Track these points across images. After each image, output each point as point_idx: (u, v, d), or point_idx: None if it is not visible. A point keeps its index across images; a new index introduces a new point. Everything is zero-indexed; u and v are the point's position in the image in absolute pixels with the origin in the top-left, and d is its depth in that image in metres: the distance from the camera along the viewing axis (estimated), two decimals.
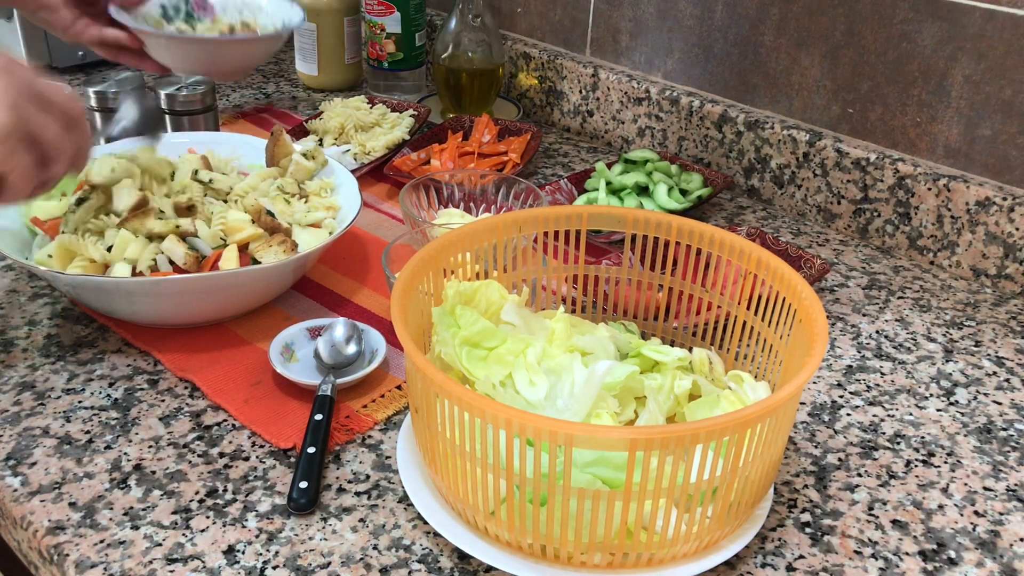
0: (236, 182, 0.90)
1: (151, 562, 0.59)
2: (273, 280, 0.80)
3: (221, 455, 0.68)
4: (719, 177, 1.08)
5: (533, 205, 0.95)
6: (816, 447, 0.72)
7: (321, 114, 1.18)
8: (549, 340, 0.68)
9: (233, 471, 0.67)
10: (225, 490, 0.65)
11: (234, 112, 1.28)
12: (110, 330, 0.81)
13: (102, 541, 0.60)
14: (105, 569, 0.58)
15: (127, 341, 0.80)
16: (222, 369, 0.76)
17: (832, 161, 1.04)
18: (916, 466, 0.71)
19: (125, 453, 0.68)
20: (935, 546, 0.64)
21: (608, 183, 1.05)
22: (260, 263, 0.79)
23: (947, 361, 0.84)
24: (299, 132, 1.18)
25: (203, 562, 0.59)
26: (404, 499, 0.65)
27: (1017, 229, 0.93)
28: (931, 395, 0.79)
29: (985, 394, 0.79)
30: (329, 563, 0.59)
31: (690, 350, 0.72)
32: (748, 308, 0.71)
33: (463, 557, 0.60)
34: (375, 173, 1.11)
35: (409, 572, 0.59)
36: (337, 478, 0.66)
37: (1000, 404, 0.78)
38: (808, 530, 0.64)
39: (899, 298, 0.93)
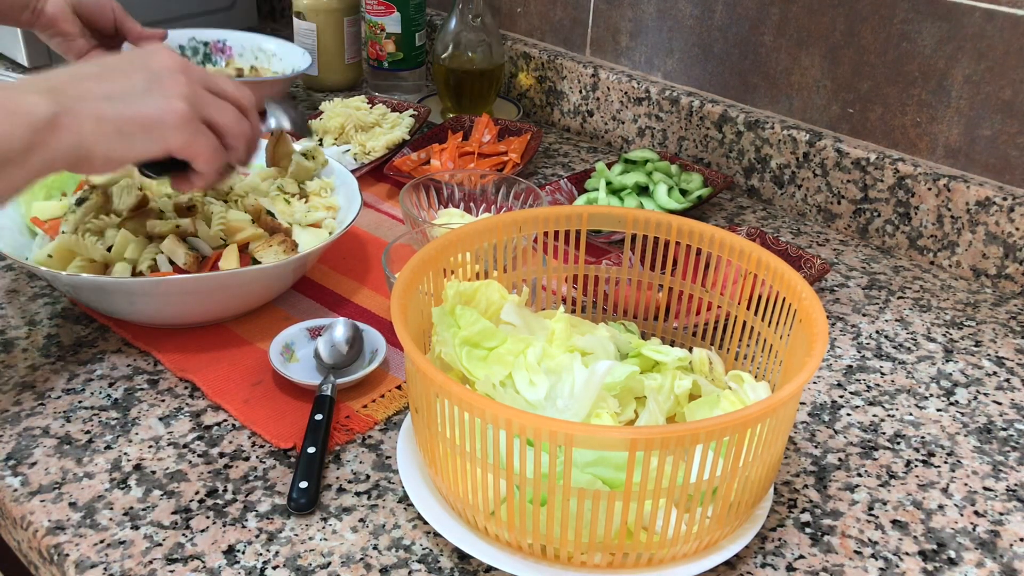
0: (236, 182, 0.90)
1: (151, 562, 0.59)
2: (273, 280, 0.80)
3: (221, 455, 0.68)
4: (719, 177, 1.08)
5: (533, 205, 0.95)
6: (816, 447, 0.72)
7: (321, 114, 1.18)
8: (549, 340, 0.68)
9: (233, 471, 0.67)
10: (225, 490, 0.65)
11: None
12: (110, 330, 0.81)
13: (102, 541, 0.60)
14: (105, 569, 0.58)
15: (127, 341, 0.80)
16: (222, 369, 0.76)
17: (832, 161, 1.04)
18: (916, 466, 0.71)
19: (125, 453, 0.68)
20: (935, 546, 0.64)
21: (608, 183, 1.05)
22: (260, 263, 0.79)
23: (947, 361, 0.84)
24: None
25: (203, 562, 0.59)
26: (404, 499, 0.65)
27: (1017, 229, 0.93)
28: (931, 395, 0.79)
29: (985, 394, 0.79)
30: (329, 563, 0.59)
31: (690, 350, 0.72)
32: (748, 308, 0.71)
33: (463, 557, 0.60)
34: (375, 173, 1.11)
35: (409, 572, 0.59)
36: (337, 478, 0.66)
37: (1000, 404, 0.78)
38: (808, 530, 0.64)
39: (899, 298, 0.93)
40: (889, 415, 0.76)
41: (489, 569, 0.60)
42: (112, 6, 1.04)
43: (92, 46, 1.11)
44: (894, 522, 0.66)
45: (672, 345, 0.76)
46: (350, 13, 1.34)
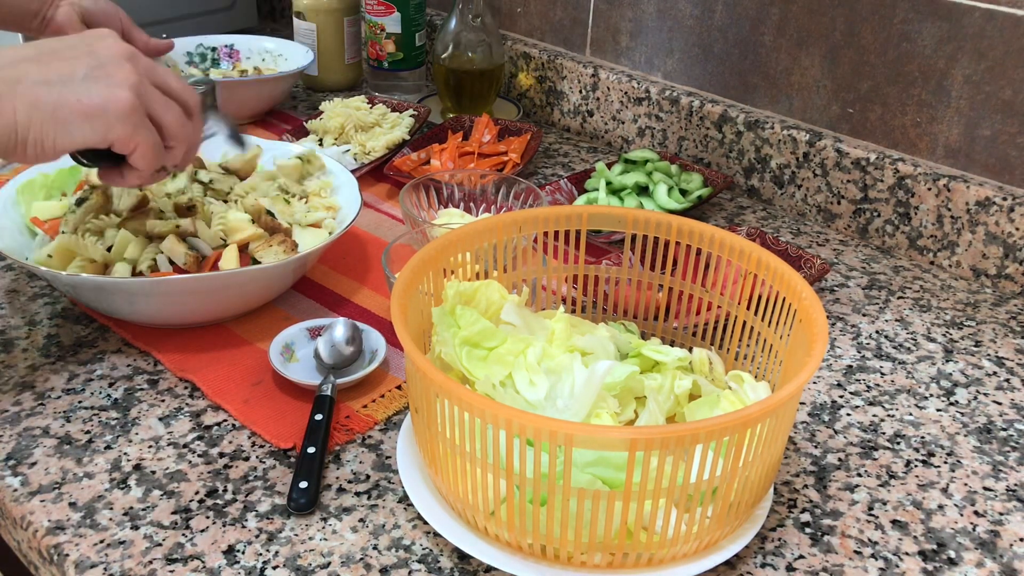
0: (236, 182, 0.90)
1: (151, 562, 0.59)
2: (273, 280, 0.80)
3: (221, 455, 0.68)
4: (719, 177, 1.08)
5: (533, 205, 0.95)
6: (816, 447, 0.72)
7: (321, 114, 1.18)
8: (549, 340, 0.68)
9: (233, 471, 0.67)
10: (225, 490, 0.65)
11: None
12: (110, 330, 0.81)
13: (102, 541, 0.60)
14: (105, 569, 0.58)
15: (127, 341, 0.80)
16: (222, 369, 0.76)
17: (832, 161, 1.04)
18: (916, 466, 0.71)
19: (125, 453, 0.68)
20: (935, 546, 0.64)
21: (608, 183, 1.05)
22: (260, 263, 0.79)
23: (947, 361, 0.84)
24: (299, 132, 1.18)
25: (203, 562, 0.59)
26: (404, 499, 0.65)
27: (1017, 229, 0.93)
28: (931, 395, 0.79)
29: (985, 394, 0.79)
30: (329, 563, 0.59)
31: (690, 350, 0.72)
32: (748, 308, 0.71)
33: (463, 557, 0.60)
34: (375, 173, 1.11)
35: (409, 572, 0.59)
36: (337, 478, 0.66)
37: (1000, 404, 0.78)
38: (808, 530, 0.64)
39: (899, 298, 0.93)
40: (889, 415, 0.76)
41: (489, 569, 0.60)
42: (120, 16, 1.04)
43: None
44: (894, 522, 0.66)
45: (672, 345, 0.76)
46: (350, 13, 1.34)
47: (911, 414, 0.77)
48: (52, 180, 0.88)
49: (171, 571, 0.58)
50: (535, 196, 0.95)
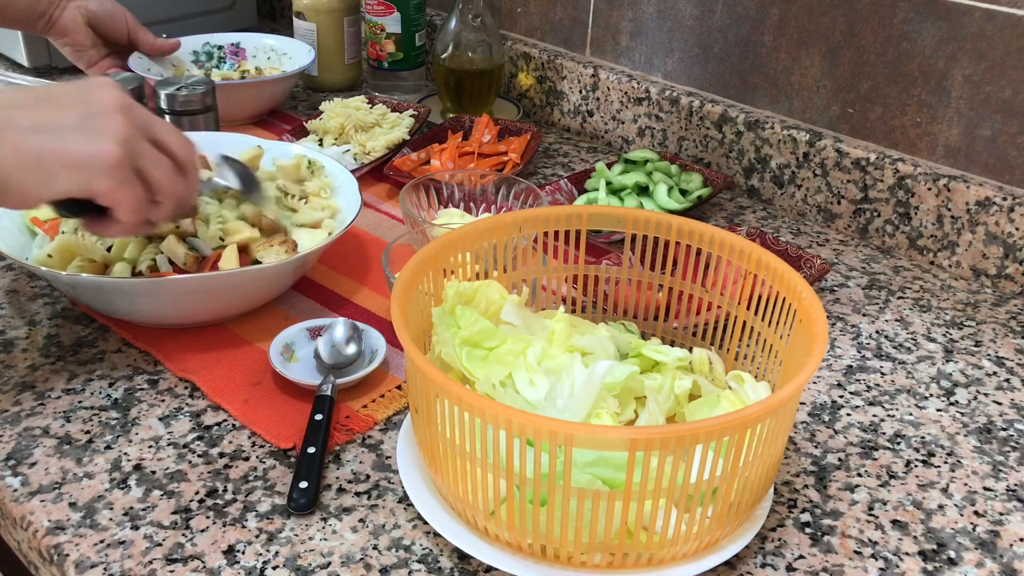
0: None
1: (151, 562, 0.59)
2: (273, 280, 0.80)
3: (221, 455, 0.68)
4: (719, 177, 1.08)
5: (533, 205, 0.95)
6: (816, 447, 0.72)
7: (321, 114, 1.18)
8: (549, 340, 0.68)
9: (233, 471, 0.67)
10: (225, 490, 0.65)
11: None
12: (110, 330, 0.81)
13: (102, 541, 0.60)
14: (105, 569, 0.58)
15: (127, 341, 0.80)
16: (222, 369, 0.76)
17: (832, 161, 1.04)
18: (916, 466, 0.71)
19: (125, 453, 0.68)
20: (935, 546, 0.64)
21: (608, 183, 1.05)
22: (260, 263, 0.79)
23: (947, 361, 0.84)
24: (299, 132, 1.18)
25: (203, 562, 0.59)
26: (404, 499, 0.65)
27: (1017, 229, 0.93)
28: (931, 395, 0.79)
29: (985, 394, 0.79)
30: (329, 563, 0.59)
31: (690, 350, 0.72)
32: (748, 308, 0.71)
33: (463, 557, 0.60)
34: (375, 173, 1.11)
35: (409, 572, 0.59)
36: (337, 478, 0.66)
37: (1000, 404, 0.78)
38: (808, 530, 0.64)
39: (899, 298, 0.93)
40: (889, 415, 0.76)
41: (489, 569, 0.60)
42: (126, 18, 1.03)
43: (104, 55, 1.12)
44: (894, 522, 0.66)
45: (672, 345, 0.76)
46: (350, 13, 1.34)
47: (911, 414, 0.77)
48: None
49: (171, 571, 0.58)
50: (535, 196, 0.95)
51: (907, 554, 0.63)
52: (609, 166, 1.10)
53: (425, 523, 0.63)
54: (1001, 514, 0.67)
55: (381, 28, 1.31)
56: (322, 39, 1.34)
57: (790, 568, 0.61)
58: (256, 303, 0.82)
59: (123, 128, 0.62)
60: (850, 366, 0.82)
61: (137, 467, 0.67)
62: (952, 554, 0.63)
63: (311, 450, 0.66)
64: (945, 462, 0.72)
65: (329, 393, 0.71)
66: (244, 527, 0.62)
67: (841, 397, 0.78)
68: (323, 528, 0.62)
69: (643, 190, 1.04)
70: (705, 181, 1.07)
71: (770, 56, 1.08)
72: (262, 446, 0.69)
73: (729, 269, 0.71)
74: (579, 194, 1.06)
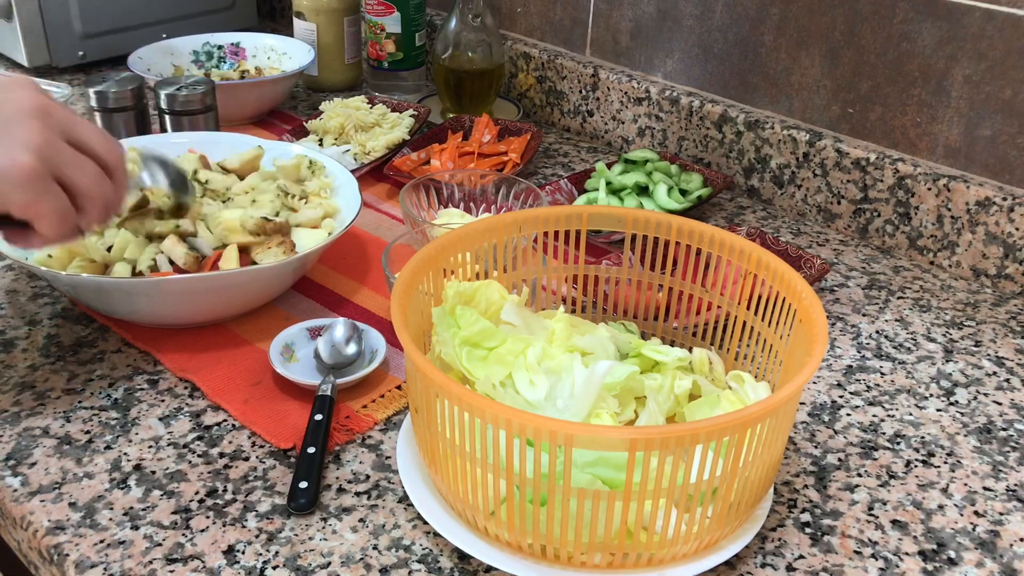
0: (234, 182, 0.90)
1: (151, 562, 0.59)
2: (273, 280, 0.80)
3: (221, 455, 0.68)
4: (719, 177, 1.08)
5: (533, 205, 0.95)
6: (816, 447, 0.72)
7: (321, 114, 1.18)
8: (549, 340, 0.68)
9: (233, 471, 0.67)
10: (225, 490, 0.65)
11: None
12: (110, 330, 0.81)
13: (102, 541, 0.60)
14: (105, 569, 0.58)
15: (127, 341, 0.80)
16: (222, 369, 0.76)
17: (832, 161, 1.04)
18: (916, 466, 0.71)
19: (125, 453, 0.68)
20: (935, 546, 0.64)
21: (608, 183, 1.05)
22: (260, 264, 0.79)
23: (947, 361, 0.84)
24: (299, 132, 1.18)
25: (203, 562, 0.59)
26: (404, 499, 0.65)
27: (1017, 229, 0.93)
28: (931, 395, 0.79)
29: (985, 394, 0.79)
30: (329, 563, 0.59)
31: (690, 350, 0.72)
32: (748, 308, 0.71)
33: (463, 557, 0.60)
34: (375, 173, 1.11)
35: (409, 572, 0.59)
36: (337, 478, 0.66)
37: (1000, 404, 0.78)
38: (808, 530, 0.64)
39: (899, 298, 0.93)
40: (889, 415, 0.76)
41: (489, 569, 0.60)
42: None
43: None
44: (894, 522, 0.66)
45: (672, 345, 0.76)
46: (350, 13, 1.34)
47: (911, 414, 0.77)
48: None
49: (171, 571, 0.58)
50: (535, 196, 0.95)
51: (907, 554, 0.63)
52: (609, 166, 1.10)
53: (425, 523, 0.63)
54: (1001, 514, 0.67)
55: (381, 28, 1.31)
56: (322, 39, 1.34)
57: (790, 568, 0.61)
58: (256, 303, 0.82)
59: (38, 135, 0.58)
60: (850, 366, 0.82)
61: (137, 467, 0.67)
62: (952, 554, 0.63)
63: (311, 450, 0.66)
64: (945, 462, 0.72)
65: (329, 393, 0.71)
66: (244, 527, 0.62)
67: (841, 397, 0.78)
68: (323, 528, 0.62)
69: (643, 190, 1.04)
70: (705, 181, 1.07)
71: (770, 56, 1.08)
72: (262, 446, 0.69)
73: (729, 269, 0.71)
74: (579, 194, 1.06)
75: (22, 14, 1.27)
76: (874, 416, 0.76)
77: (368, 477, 0.67)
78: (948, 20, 0.93)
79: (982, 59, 0.92)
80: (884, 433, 0.74)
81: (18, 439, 0.69)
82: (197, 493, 0.65)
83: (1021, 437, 0.75)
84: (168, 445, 0.69)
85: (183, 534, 0.61)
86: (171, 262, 0.79)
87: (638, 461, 0.52)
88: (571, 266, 0.77)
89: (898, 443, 0.73)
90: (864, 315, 0.90)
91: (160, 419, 0.71)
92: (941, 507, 0.67)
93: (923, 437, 0.74)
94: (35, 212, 0.59)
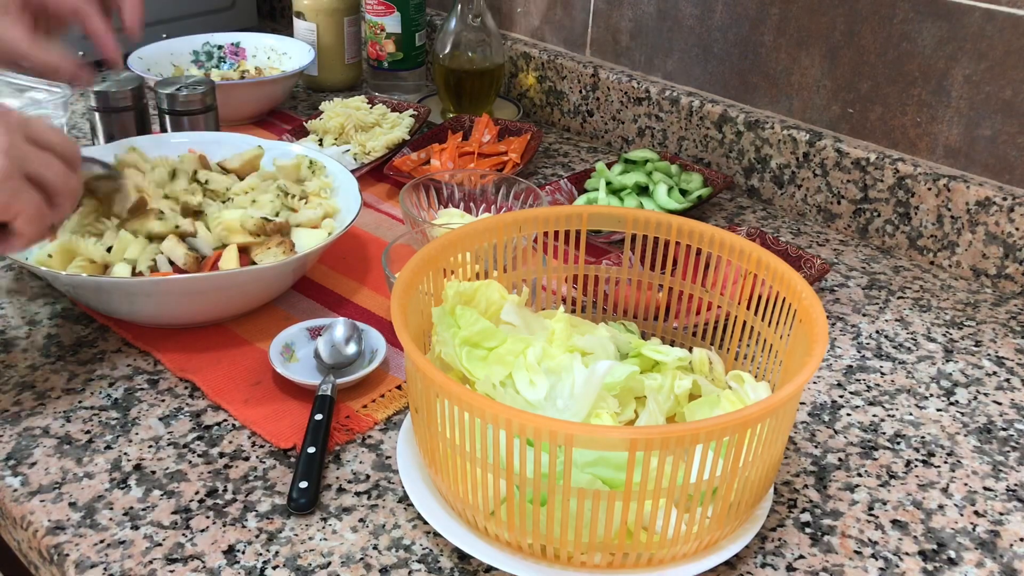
0: (234, 182, 0.90)
1: (151, 562, 0.59)
2: (273, 280, 0.80)
3: (221, 455, 0.68)
4: (719, 177, 1.08)
5: (533, 205, 0.95)
6: (816, 447, 0.72)
7: (321, 114, 1.18)
8: (549, 340, 0.68)
9: (233, 471, 0.67)
10: (225, 490, 0.65)
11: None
12: (110, 330, 0.81)
13: (102, 541, 0.60)
14: (105, 569, 0.58)
15: (127, 341, 0.80)
16: (222, 369, 0.76)
17: (832, 161, 1.04)
18: (916, 466, 0.71)
19: (125, 453, 0.68)
20: (935, 546, 0.64)
21: (608, 183, 1.05)
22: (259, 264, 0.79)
23: (947, 361, 0.84)
24: (299, 132, 1.18)
25: (203, 562, 0.59)
26: (404, 499, 0.65)
27: (1017, 229, 0.93)
28: (931, 395, 0.79)
29: (985, 394, 0.79)
30: (329, 563, 0.59)
31: (690, 350, 0.72)
32: (748, 308, 0.71)
33: (463, 557, 0.60)
34: (375, 173, 1.11)
35: (409, 572, 0.59)
36: (337, 478, 0.66)
37: (1000, 404, 0.78)
38: (808, 530, 0.64)
39: (899, 298, 0.93)
40: (889, 415, 0.76)
41: (489, 569, 0.60)
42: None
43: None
44: (894, 522, 0.66)
45: (672, 345, 0.76)
46: (350, 13, 1.34)
47: (911, 414, 0.77)
48: None
49: (171, 571, 0.58)
50: (535, 196, 0.95)
51: (907, 554, 0.63)
52: (609, 166, 1.10)
53: (425, 523, 0.63)
54: (1001, 514, 0.67)
55: (381, 28, 1.31)
56: (322, 39, 1.34)
57: (790, 568, 0.61)
58: (256, 303, 0.82)
59: (4, 136, 0.58)
60: (850, 366, 0.82)
61: (137, 467, 0.67)
62: (952, 554, 0.63)
63: (311, 450, 0.66)
64: (945, 462, 0.72)
65: (329, 393, 0.71)
66: (244, 527, 0.62)
67: (841, 397, 0.78)
68: (323, 528, 0.62)
69: (643, 190, 1.04)
70: (705, 181, 1.07)
71: (770, 56, 1.08)
72: (262, 446, 0.69)
73: (729, 269, 0.71)
74: (579, 194, 1.06)
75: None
76: (874, 416, 0.76)
77: (368, 477, 0.67)
78: (948, 20, 0.93)
79: (982, 59, 0.92)
80: (884, 433, 0.74)
81: (18, 439, 0.69)
82: (197, 493, 0.65)
83: (1021, 437, 0.75)
84: (168, 445, 0.69)
85: (183, 534, 0.61)
86: (171, 262, 0.79)
87: (638, 461, 0.52)
88: (571, 266, 0.77)
89: (898, 443, 0.73)
90: (864, 315, 0.90)
91: (160, 419, 0.71)
92: (941, 507, 0.67)
93: (923, 437, 0.74)
94: (14, 212, 0.60)
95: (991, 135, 0.94)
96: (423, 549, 0.61)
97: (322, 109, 1.19)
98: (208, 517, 0.63)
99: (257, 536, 0.61)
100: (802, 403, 0.77)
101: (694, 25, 1.14)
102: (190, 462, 0.67)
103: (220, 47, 1.34)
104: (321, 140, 1.15)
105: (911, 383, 0.80)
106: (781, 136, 1.07)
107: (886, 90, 1.00)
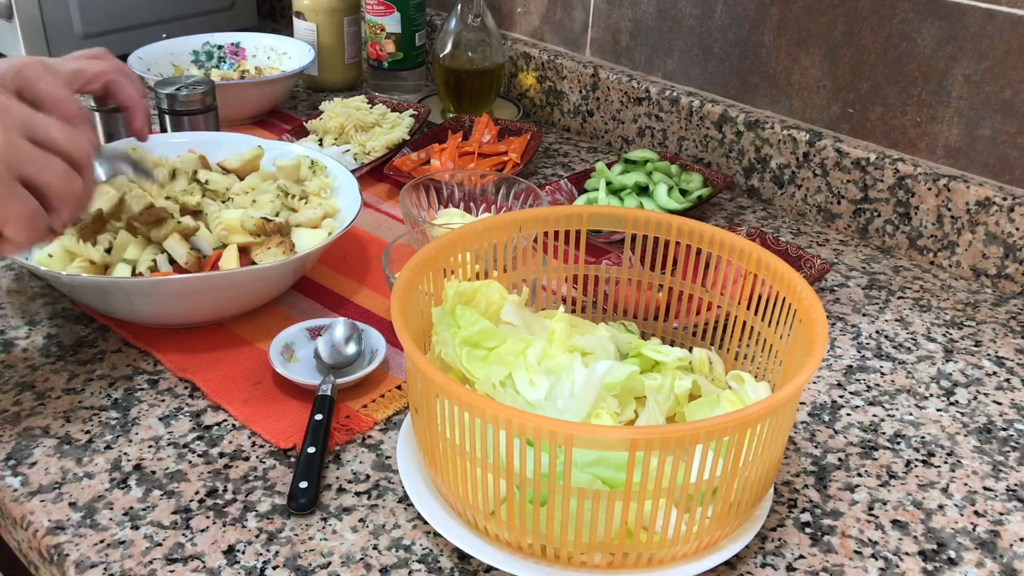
0: (234, 182, 0.90)
1: (151, 562, 0.59)
2: (273, 280, 0.80)
3: (221, 455, 0.68)
4: (719, 177, 1.08)
5: (533, 205, 0.95)
6: (816, 447, 0.72)
7: (321, 114, 1.18)
8: (549, 340, 0.68)
9: (233, 471, 0.67)
10: (225, 490, 0.65)
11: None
12: (110, 330, 0.81)
13: (102, 541, 0.60)
14: (105, 569, 0.58)
15: (127, 341, 0.80)
16: (222, 369, 0.76)
17: (832, 161, 1.04)
18: (916, 466, 0.71)
19: (125, 453, 0.68)
20: (935, 546, 0.64)
21: (608, 183, 1.05)
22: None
23: (947, 361, 0.84)
24: (299, 132, 1.18)
25: (203, 562, 0.59)
26: (404, 499, 0.65)
27: (1017, 229, 0.93)
28: (931, 395, 0.79)
29: (985, 394, 0.79)
30: (329, 563, 0.59)
31: (690, 350, 0.72)
32: (748, 308, 0.71)
33: (463, 557, 0.60)
34: (375, 173, 1.11)
35: (409, 572, 0.59)
36: (337, 478, 0.66)
37: (1000, 404, 0.78)
38: (808, 530, 0.64)
39: (899, 298, 0.93)
40: (889, 415, 0.76)
41: (489, 569, 0.60)
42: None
43: None
44: (894, 522, 0.66)
45: (672, 345, 0.76)
46: (350, 13, 1.34)
47: (911, 414, 0.77)
48: None
49: (171, 571, 0.58)
50: (535, 196, 0.95)
51: (907, 554, 0.63)
52: (609, 166, 1.10)
53: (425, 523, 0.63)
54: (1001, 514, 0.67)
55: (381, 28, 1.31)
56: (322, 39, 1.34)
57: (790, 568, 0.61)
58: (256, 303, 0.82)
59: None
60: (850, 366, 0.82)
61: (137, 467, 0.67)
62: (952, 554, 0.63)
63: (311, 450, 0.66)
64: (945, 462, 0.72)
65: (329, 393, 0.71)
66: (244, 527, 0.62)
67: (841, 397, 0.78)
68: (323, 528, 0.62)
69: (643, 190, 1.04)
70: (705, 181, 1.07)
71: (770, 56, 1.08)
72: (262, 446, 0.69)
73: (729, 269, 0.71)
74: (579, 194, 1.06)
75: (22, 14, 1.27)
76: (874, 416, 0.76)
77: (368, 477, 0.67)
78: (948, 20, 0.93)
79: (982, 59, 0.92)
80: (884, 433, 0.74)
81: (18, 439, 0.69)
82: (197, 493, 0.65)
83: (1021, 437, 0.75)
84: (168, 445, 0.69)
85: (183, 534, 0.61)
86: (172, 262, 0.79)
87: (638, 461, 0.52)
88: (571, 266, 0.77)
89: (898, 443, 0.73)
90: (864, 315, 0.90)
91: (160, 419, 0.71)
92: (941, 507, 0.67)
93: (923, 437, 0.74)
94: (2, 218, 0.56)
95: (991, 135, 0.94)
96: (423, 549, 0.61)
97: (322, 109, 1.19)
98: (208, 517, 0.63)
99: (257, 536, 0.61)
100: (802, 403, 0.77)
101: (694, 25, 1.14)
102: (190, 462, 0.67)
103: (220, 47, 1.34)
104: (321, 140, 1.15)
105: (911, 383, 0.80)
106: (781, 136, 1.07)
107: (886, 90, 1.00)
